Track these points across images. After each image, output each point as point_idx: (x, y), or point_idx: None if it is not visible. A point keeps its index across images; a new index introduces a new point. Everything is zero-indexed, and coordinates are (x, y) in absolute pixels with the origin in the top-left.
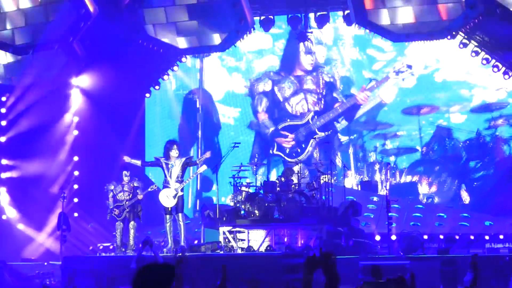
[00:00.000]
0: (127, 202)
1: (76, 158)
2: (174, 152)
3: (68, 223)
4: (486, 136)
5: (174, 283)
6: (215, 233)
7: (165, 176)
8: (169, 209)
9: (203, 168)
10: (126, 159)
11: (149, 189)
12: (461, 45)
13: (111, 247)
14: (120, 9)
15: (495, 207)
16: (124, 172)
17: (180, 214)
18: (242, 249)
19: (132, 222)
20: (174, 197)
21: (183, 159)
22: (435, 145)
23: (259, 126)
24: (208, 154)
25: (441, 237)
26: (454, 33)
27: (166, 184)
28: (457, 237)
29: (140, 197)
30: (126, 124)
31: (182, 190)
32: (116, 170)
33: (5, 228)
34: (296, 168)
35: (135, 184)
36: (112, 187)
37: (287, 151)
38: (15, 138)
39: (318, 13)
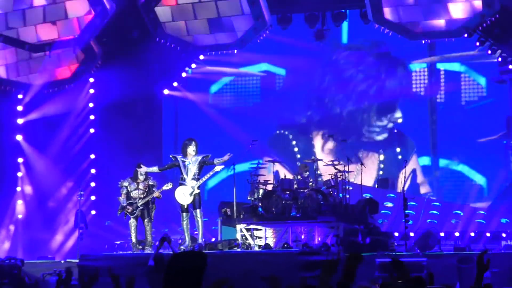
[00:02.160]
0: (140, 200)
1: (92, 156)
2: (191, 150)
3: (85, 221)
4: None
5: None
6: (232, 231)
7: (182, 173)
8: (186, 207)
9: (221, 167)
10: (143, 169)
11: (164, 188)
12: (478, 43)
13: (126, 245)
14: (137, 7)
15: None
16: (140, 170)
17: (198, 210)
18: (259, 246)
19: (147, 219)
20: (190, 194)
21: (200, 157)
22: None
23: None
24: (227, 157)
25: (457, 234)
26: (471, 31)
27: (182, 182)
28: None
29: (156, 194)
30: (143, 122)
31: (198, 187)
32: (133, 168)
33: (22, 226)
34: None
35: (150, 183)
36: (127, 184)
37: None
38: (32, 136)
39: (336, 11)
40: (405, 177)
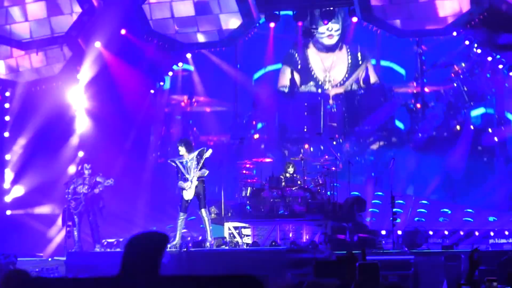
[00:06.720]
0: (83, 196)
1: (81, 154)
2: (182, 151)
3: (72, 219)
4: None
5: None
6: (220, 229)
7: (182, 173)
8: (186, 205)
9: (209, 152)
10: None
11: (105, 184)
12: (467, 41)
13: (115, 243)
14: (124, 4)
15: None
16: (85, 165)
17: (202, 210)
18: (247, 244)
19: (91, 217)
20: (190, 187)
21: (195, 153)
22: None
23: None
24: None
25: (446, 232)
26: (460, 29)
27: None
28: (461, 232)
29: (96, 191)
30: (131, 119)
31: (197, 179)
32: (118, 165)
33: (11, 224)
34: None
35: (98, 179)
36: (74, 180)
37: None
38: (20, 134)
39: (324, 9)
40: None
